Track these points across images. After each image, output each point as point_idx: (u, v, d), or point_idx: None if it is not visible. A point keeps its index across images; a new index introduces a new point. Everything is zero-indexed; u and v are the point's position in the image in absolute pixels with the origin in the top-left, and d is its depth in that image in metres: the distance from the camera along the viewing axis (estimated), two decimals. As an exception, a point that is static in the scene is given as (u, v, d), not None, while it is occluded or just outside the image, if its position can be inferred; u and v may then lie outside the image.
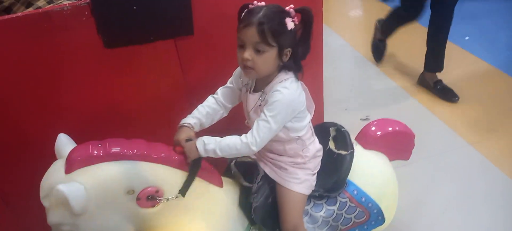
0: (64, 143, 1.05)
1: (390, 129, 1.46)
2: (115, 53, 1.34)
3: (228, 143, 1.10)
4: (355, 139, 1.45)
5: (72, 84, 1.35)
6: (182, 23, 1.37)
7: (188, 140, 1.11)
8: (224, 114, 1.30)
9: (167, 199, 1.07)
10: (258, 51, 1.06)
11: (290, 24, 1.04)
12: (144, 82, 1.46)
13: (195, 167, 1.12)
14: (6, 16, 1.18)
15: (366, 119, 2.34)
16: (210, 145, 1.09)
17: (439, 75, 2.66)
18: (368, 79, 2.88)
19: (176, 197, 1.08)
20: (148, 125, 1.50)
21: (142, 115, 1.51)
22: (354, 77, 2.90)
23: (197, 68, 1.51)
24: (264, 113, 1.10)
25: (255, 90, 1.19)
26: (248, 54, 1.07)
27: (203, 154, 1.09)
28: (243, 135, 1.12)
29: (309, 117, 1.23)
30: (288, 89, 1.10)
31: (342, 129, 1.39)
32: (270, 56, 1.07)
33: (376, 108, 2.47)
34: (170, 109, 1.57)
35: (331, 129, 1.40)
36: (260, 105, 1.15)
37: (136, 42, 1.35)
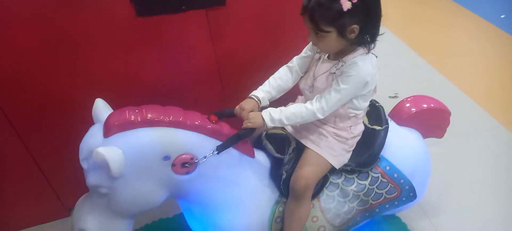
0: (101, 108, 1.06)
1: (425, 105, 1.42)
2: (147, 23, 1.33)
3: (293, 111, 1.13)
4: (389, 115, 1.42)
5: (103, 52, 1.36)
6: (214, -8, 1.35)
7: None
8: (292, 85, 1.28)
9: (205, 157, 1.08)
10: (317, 35, 1.06)
11: (346, 4, 0.98)
12: (174, 53, 1.46)
13: (245, 134, 1.15)
14: (39, -18, 1.18)
15: (395, 97, 2.30)
16: (275, 115, 1.13)
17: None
18: (395, 57, 2.81)
19: (212, 154, 1.09)
20: (177, 94, 1.50)
21: (170, 85, 1.51)
22: (381, 55, 2.83)
23: (227, 40, 1.50)
24: (338, 83, 1.10)
25: (329, 58, 1.17)
26: (310, 38, 1.10)
27: (269, 123, 1.13)
28: (308, 102, 1.14)
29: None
30: (366, 65, 1.09)
31: (377, 104, 1.36)
32: (330, 39, 1.06)
33: (405, 86, 2.41)
34: (199, 81, 1.57)
35: (365, 104, 1.38)
36: (334, 73, 1.13)
37: (168, 11, 1.34)
